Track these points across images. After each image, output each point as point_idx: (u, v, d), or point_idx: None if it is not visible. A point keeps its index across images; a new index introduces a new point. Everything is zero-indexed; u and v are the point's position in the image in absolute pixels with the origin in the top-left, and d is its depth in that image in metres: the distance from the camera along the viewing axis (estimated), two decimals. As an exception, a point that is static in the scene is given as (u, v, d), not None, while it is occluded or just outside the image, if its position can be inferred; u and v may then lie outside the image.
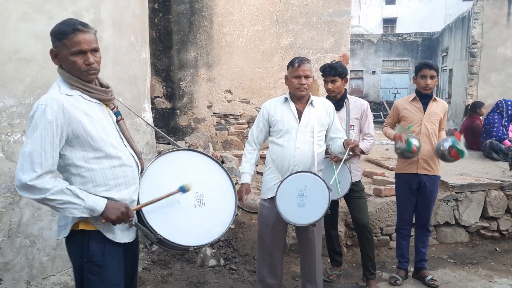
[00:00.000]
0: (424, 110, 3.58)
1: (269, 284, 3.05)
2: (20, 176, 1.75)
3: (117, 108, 2.05)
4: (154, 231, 1.97)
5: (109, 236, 1.92)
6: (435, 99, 3.63)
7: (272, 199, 2.86)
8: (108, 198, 1.89)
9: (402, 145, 3.26)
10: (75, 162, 1.86)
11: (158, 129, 2.48)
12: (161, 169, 2.13)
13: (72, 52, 1.83)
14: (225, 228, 2.18)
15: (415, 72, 3.65)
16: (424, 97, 3.60)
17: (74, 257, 1.96)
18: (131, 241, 2.02)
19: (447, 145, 3.41)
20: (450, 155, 3.41)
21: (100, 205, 1.83)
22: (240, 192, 2.97)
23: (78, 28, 1.83)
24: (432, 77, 3.52)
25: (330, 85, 3.48)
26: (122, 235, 1.97)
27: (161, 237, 1.96)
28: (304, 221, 2.73)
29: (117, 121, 2.03)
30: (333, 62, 3.59)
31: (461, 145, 3.35)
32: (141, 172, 2.08)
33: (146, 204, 1.99)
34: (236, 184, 2.43)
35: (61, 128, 1.79)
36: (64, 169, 1.90)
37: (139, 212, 1.98)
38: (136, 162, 2.04)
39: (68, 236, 1.93)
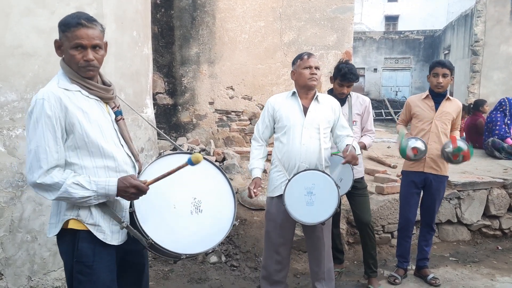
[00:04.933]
0: (436, 108, 3.56)
1: (275, 281, 3.03)
2: (30, 176, 1.75)
3: (118, 107, 2.00)
4: (146, 234, 1.88)
5: (100, 236, 1.87)
6: (448, 98, 3.60)
7: (279, 197, 2.82)
8: None
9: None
10: (68, 159, 1.82)
11: (158, 130, 2.44)
12: (159, 172, 2.02)
13: (72, 46, 1.79)
14: (221, 238, 2.08)
15: (429, 71, 3.63)
16: (437, 96, 3.57)
17: (65, 256, 1.92)
18: (120, 243, 1.95)
19: (450, 148, 3.40)
20: (453, 158, 3.41)
21: (112, 189, 1.80)
22: (252, 187, 2.86)
23: (81, 22, 1.78)
24: (444, 75, 3.48)
25: (346, 90, 3.42)
26: (112, 236, 1.91)
27: (153, 242, 1.88)
28: (313, 220, 2.70)
29: (117, 121, 1.97)
30: (342, 60, 3.53)
31: (460, 146, 3.35)
32: (138, 173, 2.02)
33: (156, 179, 1.89)
34: (237, 193, 2.36)
35: (59, 122, 1.77)
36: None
37: (132, 214, 1.91)
38: (133, 162, 2.00)
39: (59, 234, 1.89)
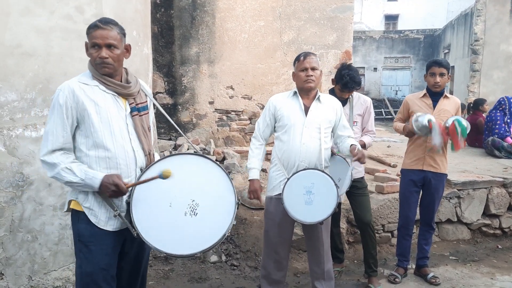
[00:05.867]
0: (434, 106, 3.56)
1: (274, 280, 3.03)
2: (40, 153, 2.02)
3: (137, 104, 2.14)
4: (134, 225, 2.02)
5: (93, 220, 2.05)
6: (446, 96, 3.60)
7: (279, 196, 2.82)
8: None
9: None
10: (79, 146, 2.05)
11: (179, 129, 2.48)
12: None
13: (90, 45, 2.03)
14: (204, 248, 2.05)
15: (425, 70, 3.64)
16: (435, 94, 3.58)
17: (73, 233, 2.15)
18: (115, 230, 2.10)
19: (450, 120, 3.32)
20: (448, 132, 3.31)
21: (96, 182, 1.98)
22: (256, 191, 2.94)
23: (97, 24, 2.01)
24: (441, 75, 3.49)
25: (347, 95, 3.44)
26: (106, 222, 2.07)
27: (138, 233, 2.01)
28: (311, 219, 2.70)
29: (132, 116, 2.13)
30: (345, 64, 3.50)
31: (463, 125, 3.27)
32: (145, 167, 2.15)
33: (135, 184, 2.04)
34: (241, 202, 2.36)
35: (71, 110, 2.00)
36: (74, 151, 2.09)
37: (128, 204, 2.06)
38: (135, 157, 2.11)
39: (71, 212, 2.12)
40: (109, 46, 2.00)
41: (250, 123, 6.27)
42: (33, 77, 2.97)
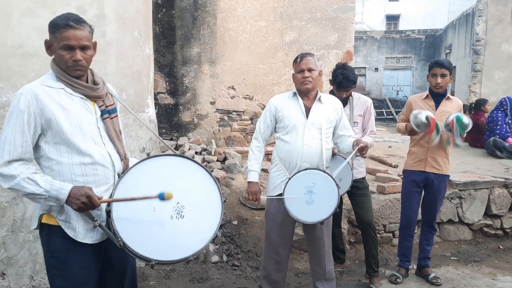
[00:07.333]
0: (436, 108, 3.56)
1: (275, 281, 3.04)
2: None
3: (107, 106, 1.99)
4: (118, 235, 1.84)
5: (70, 234, 1.87)
6: (448, 98, 3.59)
7: (279, 196, 2.83)
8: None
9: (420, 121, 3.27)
10: (47, 154, 1.85)
11: (153, 131, 2.40)
12: (146, 172, 1.96)
13: (61, 46, 1.83)
14: (197, 249, 1.94)
15: (428, 71, 3.64)
16: (437, 95, 3.57)
17: (43, 249, 1.95)
18: (95, 242, 1.93)
19: (451, 117, 3.31)
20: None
21: (63, 193, 1.78)
22: (255, 193, 2.94)
23: (69, 24, 1.82)
24: (443, 76, 3.48)
25: (344, 94, 3.44)
26: (85, 234, 1.90)
27: (123, 243, 1.84)
28: (312, 219, 2.71)
29: (103, 119, 1.96)
30: (339, 64, 3.50)
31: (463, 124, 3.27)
32: (122, 172, 1.99)
33: (117, 200, 1.87)
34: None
35: (34, 117, 1.80)
36: (37, 161, 1.89)
37: (108, 213, 1.88)
38: (112, 162, 1.96)
39: (40, 228, 1.92)
40: (83, 48, 1.85)
41: (252, 123, 6.27)
42: (35, 77, 2.94)
